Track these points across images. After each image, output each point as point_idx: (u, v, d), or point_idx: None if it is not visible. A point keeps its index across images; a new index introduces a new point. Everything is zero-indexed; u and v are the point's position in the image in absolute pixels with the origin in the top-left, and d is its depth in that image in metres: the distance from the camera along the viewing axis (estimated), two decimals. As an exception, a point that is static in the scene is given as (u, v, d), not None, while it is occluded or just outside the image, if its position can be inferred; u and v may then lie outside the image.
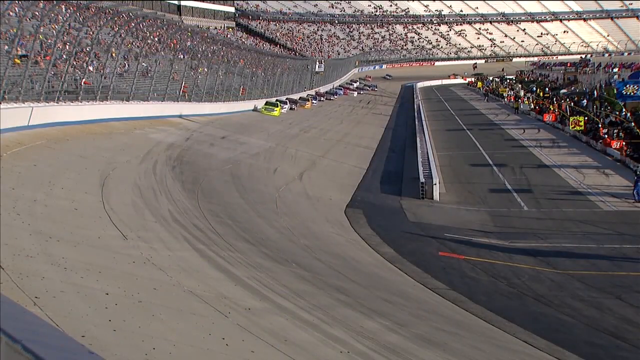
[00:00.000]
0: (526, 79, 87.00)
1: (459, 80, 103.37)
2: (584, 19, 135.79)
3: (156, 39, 38.15)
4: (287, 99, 57.47)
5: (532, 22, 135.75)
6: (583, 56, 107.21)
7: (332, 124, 51.73)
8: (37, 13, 28.96)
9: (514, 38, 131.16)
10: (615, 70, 77.90)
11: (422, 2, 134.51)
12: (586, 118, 44.26)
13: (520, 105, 62.25)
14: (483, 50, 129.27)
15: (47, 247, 10.10)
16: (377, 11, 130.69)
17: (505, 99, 71.34)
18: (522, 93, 70.90)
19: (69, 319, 7.28)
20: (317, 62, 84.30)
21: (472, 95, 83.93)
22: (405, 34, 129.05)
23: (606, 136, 39.22)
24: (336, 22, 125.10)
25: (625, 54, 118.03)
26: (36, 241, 10.29)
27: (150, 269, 10.64)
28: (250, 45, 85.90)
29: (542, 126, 50.13)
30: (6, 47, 23.78)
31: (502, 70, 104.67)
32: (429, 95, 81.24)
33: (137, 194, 17.12)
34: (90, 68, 30.09)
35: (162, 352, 7.19)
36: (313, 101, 64.02)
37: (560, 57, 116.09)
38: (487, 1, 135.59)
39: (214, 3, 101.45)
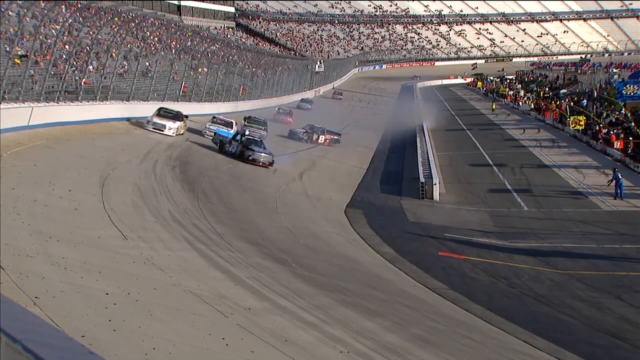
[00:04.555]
0: (526, 79, 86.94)
1: (459, 80, 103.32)
2: (584, 19, 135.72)
3: (156, 39, 38.13)
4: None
5: (532, 22, 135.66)
6: (583, 56, 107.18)
7: (332, 123, 51.58)
8: (37, 13, 28.95)
9: (514, 38, 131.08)
10: (615, 70, 77.89)
11: (422, 2, 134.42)
12: (586, 118, 44.28)
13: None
14: (483, 50, 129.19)
15: (47, 247, 10.10)
16: (377, 11, 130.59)
17: (506, 99, 71.37)
18: (522, 93, 70.88)
19: (69, 319, 7.28)
20: (317, 62, 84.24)
21: (472, 95, 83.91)
22: (405, 34, 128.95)
23: (612, 133, 39.13)
24: (336, 22, 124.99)
25: (625, 54, 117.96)
26: (36, 241, 10.28)
27: (150, 269, 10.65)
28: (250, 45, 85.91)
29: (542, 126, 50.11)
30: (6, 47, 23.78)
31: (502, 70, 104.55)
32: (429, 95, 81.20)
33: (137, 194, 17.12)
34: (90, 68, 30.09)
35: (162, 352, 7.19)
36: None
37: (560, 57, 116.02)
38: (487, 1, 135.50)
39: (214, 3, 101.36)
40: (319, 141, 39.06)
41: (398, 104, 69.42)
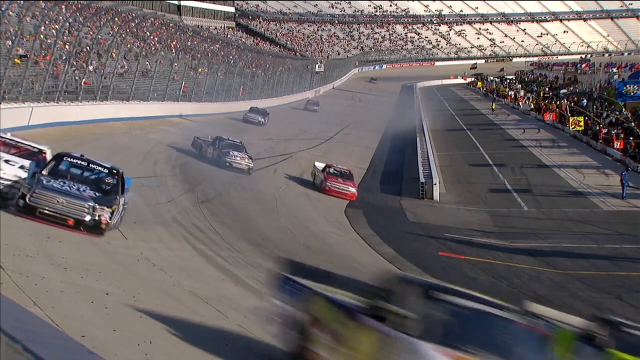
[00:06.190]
0: (526, 79, 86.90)
1: (459, 80, 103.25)
2: (584, 19, 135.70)
3: (156, 39, 38.12)
4: None
5: (532, 22, 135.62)
6: (583, 56, 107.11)
7: (332, 123, 51.58)
8: (37, 13, 28.92)
9: (514, 38, 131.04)
10: (615, 70, 77.85)
11: (422, 2, 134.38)
12: (586, 118, 44.27)
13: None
14: (483, 50, 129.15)
15: (47, 247, 10.09)
16: (377, 11, 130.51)
17: (506, 99, 71.37)
18: (522, 93, 70.86)
19: (69, 319, 7.27)
20: (317, 62, 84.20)
21: (472, 95, 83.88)
22: (405, 34, 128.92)
23: (613, 132, 39.11)
24: (336, 22, 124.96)
25: (625, 54, 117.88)
26: (36, 241, 10.28)
27: (150, 269, 10.64)
28: (250, 45, 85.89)
29: (542, 126, 50.09)
30: (8, 43, 23.76)
31: (502, 70, 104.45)
32: (429, 95, 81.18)
33: (137, 194, 17.11)
34: (90, 68, 30.08)
35: (162, 352, 7.18)
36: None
37: (560, 57, 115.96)
38: (487, 1, 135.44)
39: (214, 3, 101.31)
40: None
41: (398, 105, 69.40)
